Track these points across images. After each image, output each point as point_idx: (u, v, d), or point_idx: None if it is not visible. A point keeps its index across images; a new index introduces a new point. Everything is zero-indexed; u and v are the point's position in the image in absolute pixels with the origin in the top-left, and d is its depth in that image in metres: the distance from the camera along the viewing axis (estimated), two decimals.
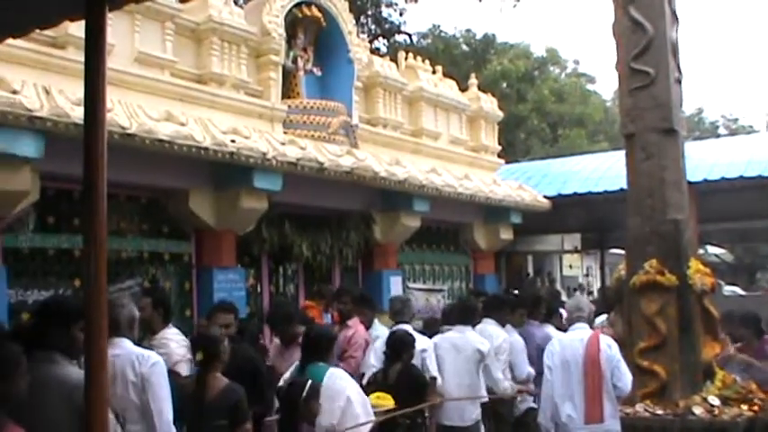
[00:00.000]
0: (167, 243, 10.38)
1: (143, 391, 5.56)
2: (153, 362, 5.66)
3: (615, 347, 7.85)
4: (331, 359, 7.21)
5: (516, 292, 15.28)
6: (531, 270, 23.14)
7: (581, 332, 8.02)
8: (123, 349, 5.65)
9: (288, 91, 12.54)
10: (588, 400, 7.71)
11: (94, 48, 4.23)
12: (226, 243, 10.67)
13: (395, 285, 13.67)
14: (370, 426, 6.85)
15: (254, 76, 11.78)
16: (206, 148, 9.28)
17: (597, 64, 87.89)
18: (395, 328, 8.76)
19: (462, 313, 9.24)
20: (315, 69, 13.23)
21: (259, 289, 11.89)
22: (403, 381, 7.83)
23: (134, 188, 9.65)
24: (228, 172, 10.15)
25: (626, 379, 7.63)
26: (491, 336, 9.16)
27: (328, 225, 12.60)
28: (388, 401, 7.49)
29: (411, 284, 14.65)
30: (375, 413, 7.08)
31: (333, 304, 10.24)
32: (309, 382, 6.58)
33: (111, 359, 5.11)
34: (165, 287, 10.23)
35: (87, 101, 4.25)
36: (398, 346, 8.12)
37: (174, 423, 5.68)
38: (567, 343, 8.11)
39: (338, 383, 6.78)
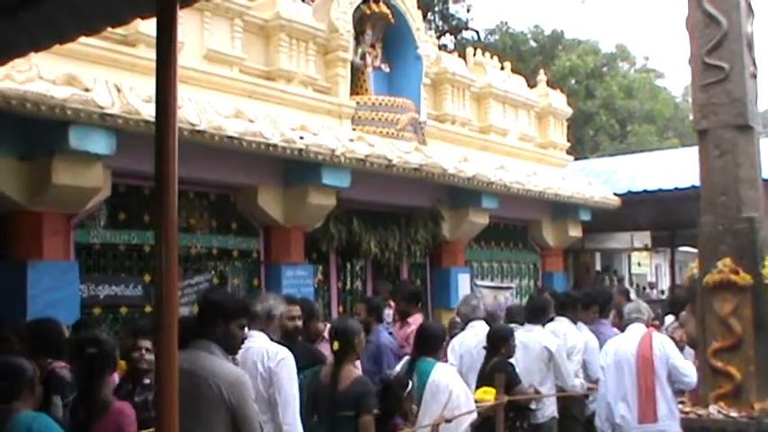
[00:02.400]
0: (236, 239, 10.43)
1: (270, 384, 5.82)
2: (281, 357, 5.90)
3: (670, 345, 7.74)
4: (439, 355, 7.25)
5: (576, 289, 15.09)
6: (598, 268, 22.88)
7: (635, 331, 7.91)
8: (256, 342, 5.95)
9: (356, 87, 12.53)
10: (641, 399, 7.61)
11: (166, 45, 4.25)
12: (294, 239, 10.70)
13: (463, 283, 13.60)
14: (471, 417, 6.91)
15: (323, 73, 11.79)
16: (275, 145, 9.31)
17: (667, 59, 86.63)
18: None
19: (532, 311, 9.16)
20: (383, 66, 13.21)
21: (327, 285, 11.90)
22: (495, 375, 7.78)
23: (203, 185, 9.71)
24: (297, 168, 10.17)
25: (689, 372, 7.50)
26: (564, 334, 9.06)
27: (396, 222, 12.58)
28: (491, 396, 7.49)
29: (479, 282, 14.55)
30: (478, 408, 7.15)
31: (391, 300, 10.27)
32: (411, 382, 6.73)
33: (245, 350, 5.65)
34: (234, 284, 10.31)
35: (159, 98, 4.27)
36: (496, 340, 8.07)
37: (305, 412, 6.01)
38: (620, 342, 8.02)
39: (443, 379, 6.88)
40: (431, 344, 7.19)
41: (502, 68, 16.12)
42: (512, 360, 8.10)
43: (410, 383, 6.73)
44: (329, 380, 6.23)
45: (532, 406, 8.26)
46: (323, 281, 11.84)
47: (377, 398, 6.33)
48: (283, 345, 6.14)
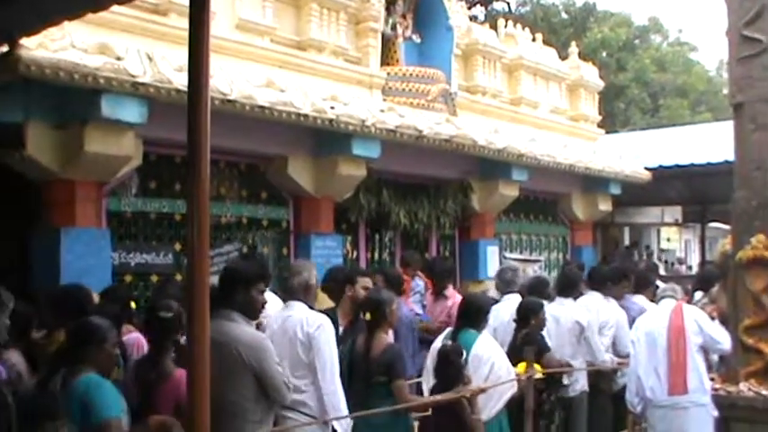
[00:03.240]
0: (266, 209, 10.45)
1: (309, 350, 6.07)
2: (319, 323, 6.15)
3: (701, 316, 7.74)
4: (483, 327, 7.36)
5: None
6: (627, 242, 22.77)
7: (666, 305, 7.91)
8: (295, 311, 6.25)
9: (386, 58, 12.49)
10: (672, 371, 7.60)
11: (198, 15, 4.26)
12: (324, 209, 10.71)
13: (491, 255, 13.58)
14: (513, 389, 7.09)
15: (354, 43, 11.75)
16: (306, 115, 9.30)
17: (701, 32, 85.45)
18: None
19: (563, 285, 9.14)
20: (414, 36, 13.15)
21: (355, 256, 11.91)
22: (525, 346, 7.80)
23: (233, 154, 9.71)
24: (327, 139, 10.16)
25: (723, 339, 7.46)
26: (596, 309, 9.03)
27: (426, 193, 12.55)
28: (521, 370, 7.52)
29: (508, 254, 14.50)
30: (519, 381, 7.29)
31: (420, 271, 10.27)
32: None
33: (284, 319, 6.19)
34: (264, 253, 10.35)
35: (191, 67, 4.29)
36: (527, 313, 8.13)
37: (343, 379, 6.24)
38: (651, 315, 8.02)
39: (485, 351, 7.06)
40: (474, 315, 7.32)
41: (533, 40, 16.02)
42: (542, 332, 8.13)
43: (464, 353, 6.85)
44: (363, 348, 6.55)
45: (565, 381, 8.27)
46: (351, 251, 11.85)
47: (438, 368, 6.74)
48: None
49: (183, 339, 5.67)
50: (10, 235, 9.05)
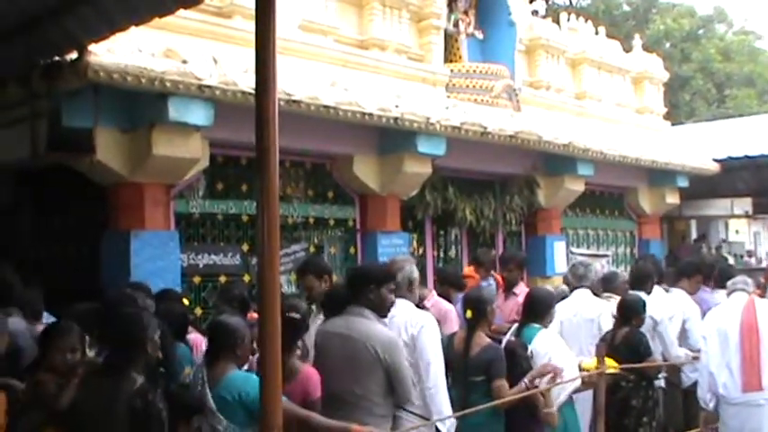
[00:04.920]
0: (332, 208, 10.44)
1: (413, 351, 6.04)
2: (422, 324, 6.12)
3: None
4: (547, 322, 7.32)
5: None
6: (694, 235, 22.42)
7: (737, 299, 7.76)
8: (399, 310, 6.14)
9: (449, 55, 12.46)
10: (745, 367, 7.47)
11: (265, 16, 4.26)
12: (390, 207, 10.67)
13: (558, 250, 13.45)
14: (574, 384, 7.01)
15: (416, 41, 11.74)
16: (370, 114, 9.28)
17: (767, 20, 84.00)
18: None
19: (636, 279, 9.01)
20: (476, 32, 13.11)
21: (422, 253, 11.87)
22: (626, 345, 7.73)
23: (299, 154, 9.72)
24: (392, 137, 10.12)
25: None
26: (668, 303, 8.90)
27: (491, 189, 12.48)
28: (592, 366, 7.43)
29: (574, 250, 14.36)
30: (582, 376, 7.19)
31: (493, 270, 10.13)
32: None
33: (389, 319, 6.07)
34: (330, 252, 10.36)
35: (258, 69, 4.29)
36: (628, 311, 8.02)
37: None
38: (722, 310, 7.86)
39: (543, 346, 6.98)
40: (537, 309, 7.26)
41: (596, 33, 15.86)
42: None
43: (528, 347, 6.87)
44: (461, 347, 6.62)
45: (660, 377, 8.16)
46: (418, 249, 11.81)
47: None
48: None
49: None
50: (81, 239, 9.21)
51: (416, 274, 6.69)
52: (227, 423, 4.79)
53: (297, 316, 5.50)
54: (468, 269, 10.56)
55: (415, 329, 6.05)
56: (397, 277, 6.29)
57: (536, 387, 6.52)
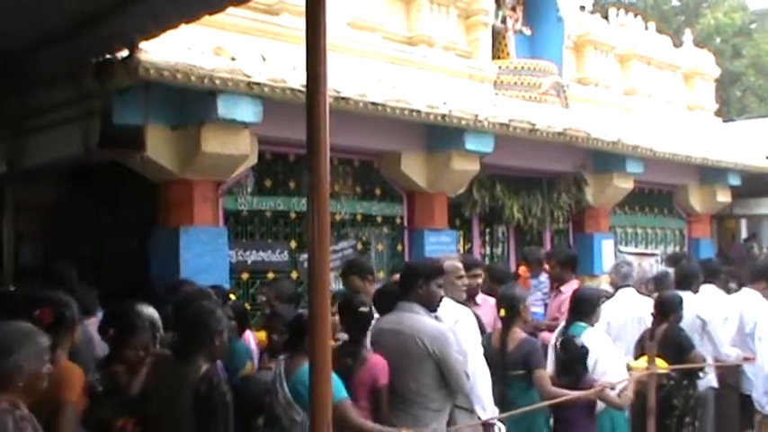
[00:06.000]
0: (380, 205, 10.44)
1: None
2: (457, 318, 6.19)
3: None
4: (594, 320, 7.35)
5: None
6: (744, 234, 22.12)
7: None
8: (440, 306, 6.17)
9: (497, 52, 12.43)
10: None
11: (315, 14, 4.27)
12: (437, 205, 10.65)
13: (606, 249, 13.34)
14: (621, 384, 6.96)
15: (464, 37, 11.73)
16: (418, 111, 9.27)
17: None
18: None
19: (682, 278, 8.92)
20: (524, 29, 13.07)
21: (469, 251, 11.82)
22: (666, 341, 7.65)
23: (347, 151, 9.73)
24: (440, 134, 10.11)
25: None
26: (721, 304, 8.79)
27: (539, 187, 12.41)
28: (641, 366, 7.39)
29: (623, 248, 14.24)
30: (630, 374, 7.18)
31: (539, 268, 10.08)
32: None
33: None
34: (378, 249, 10.37)
35: (309, 66, 4.30)
36: (666, 308, 7.96)
37: None
38: None
39: (591, 345, 6.98)
40: (583, 308, 7.27)
41: (646, 28, 15.72)
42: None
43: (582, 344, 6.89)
44: (498, 343, 6.78)
45: (701, 374, 8.07)
46: (465, 247, 11.78)
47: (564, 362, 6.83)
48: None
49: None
50: (131, 235, 9.30)
51: (462, 272, 6.77)
52: (304, 414, 4.92)
53: (365, 309, 5.72)
54: (521, 268, 10.51)
55: (452, 323, 6.10)
56: None
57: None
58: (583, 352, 6.73)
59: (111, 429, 4.89)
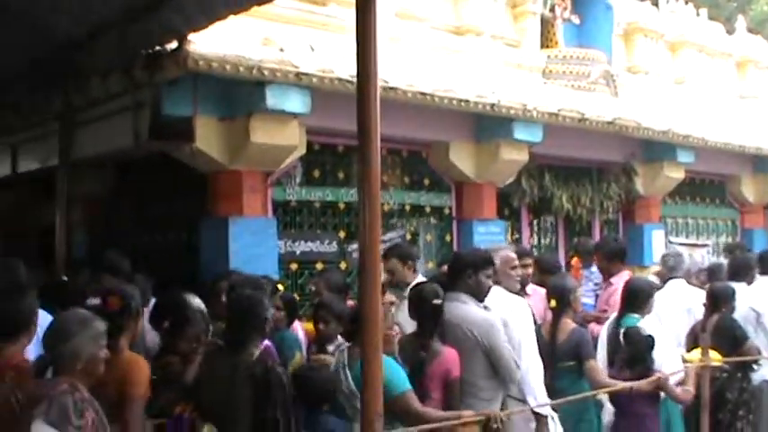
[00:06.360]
0: (428, 195, 10.40)
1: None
2: (510, 308, 6.18)
3: None
4: (646, 312, 7.21)
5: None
6: None
7: None
8: (492, 295, 6.17)
9: (545, 40, 12.33)
10: None
11: (366, 5, 4.26)
12: (486, 195, 10.58)
13: (656, 240, 13.18)
14: (676, 376, 6.89)
15: (512, 26, 11.63)
16: (467, 100, 9.22)
17: None
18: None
19: (735, 269, 8.78)
20: (573, 17, 12.95)
21: (519, 242, 11.74)
22: (719, 333, 7.56)
23: (396, 141, 9.69)
24: (489, 123, 10.04)
25: None
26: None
27: (588, 177, 12.29)
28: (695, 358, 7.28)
29: (673, 239, 14.07)
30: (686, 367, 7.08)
31: (590, 259, 9.96)
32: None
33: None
34: (427, 240, 10.35)
35: (359, 57, 4.30)
36: (717, 299, 7.87)
37: None
38: None
39: None
40: (635, 300, 7.15)
41: (697, 15, 15.53)
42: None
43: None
44: (548, 334, 6.75)
45: (755, 366, 7.95)
46: (514, 237, 11.71)
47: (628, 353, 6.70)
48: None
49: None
50: (180, 226, 9.35)
51: (516, 262, 6.76)
52: None
53: (439, 301, 5.63)
54: (574, 259, 10.42)
55: (505, 313, 6.07)
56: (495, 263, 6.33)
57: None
58: (649, 342, 6.62)
59: (169, 417, 4.99)
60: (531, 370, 6.03)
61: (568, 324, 6.77)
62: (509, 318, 6.03)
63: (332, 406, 5.39)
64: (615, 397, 6.67)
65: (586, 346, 6.66)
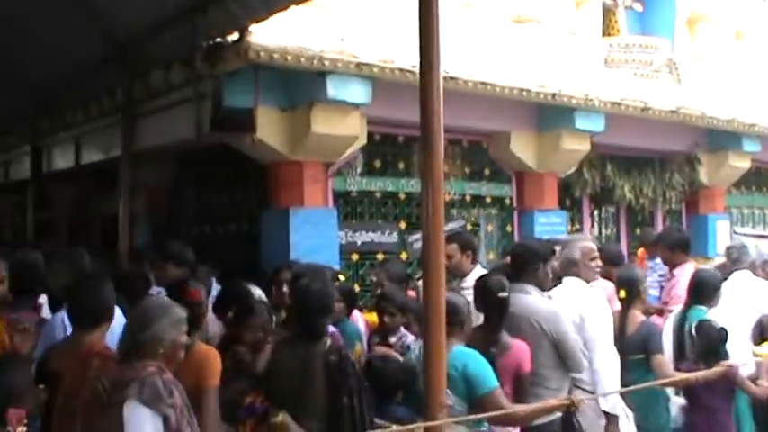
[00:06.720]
0: (488, 186, 10.34)
1: (582, 329, 5.99)
2: (588, 302, 6.14)
3: None
4: (713, 304, 7.06)
5: None
6: None
7: None
8: (568, 288, 6.28)
9: (607, 28, 12.21)
10: None
11: None
12: (547, 185, 10.51)
13: (721, 230, 12.96)
14: (748, 369, 6.75)
15: (574, 15, 11.49)
16: (528, 90, 9.15)
17: None
18: None
19: None
20: (635, 5, 12.78)
21: (580, 232, 11.63)
22: None
23: (456, 131, 9.61)
24: (550, 113, 9.96)
25: None
26: None
27: (651, 166, 12.13)
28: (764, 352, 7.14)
29: (738, 229, 13.81)
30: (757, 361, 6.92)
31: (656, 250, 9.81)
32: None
33: (558, 297, 6.16)
34: (488, 230, 10.29)
35: (422, 47, 4.29)
36: None
37: None
38: None
39: None
40: (703, 291, 6.97)
41: (762, 1, 15.25)
42: None
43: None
44: (617, 326, 6.54)
45: None
46: (575, 227, 11.60)
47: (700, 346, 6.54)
48: None
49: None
50: (242, 216, 9.40)
51: (596, 253, 6.67)
52: (455, 397, 4.90)
53: (505, 294, 5.56)
54: (640, 250, 10.27)
55: (583, 307, 6.02)
56: (575, 254, 6.39)
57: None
58: (722, 335, 6.48)
59: (240, 406, 5.01)
60: (606, 366, 5.95)
61: (637, 316, 6.64)
62: (586, 313, 5.99)
63: (405, 397, 5.38)
64: (688, 390, 6.55)
65: (655, 340, 6.49)
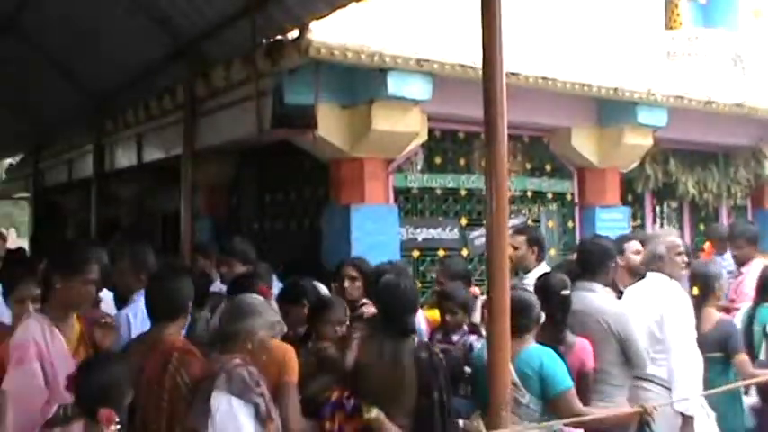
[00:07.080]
0: (550, 181, 10.26)
1: (662, 326, 6.05)
2: (670, 300, 6.12)
3: None
4: None
5: None
6: None
7: None
8: (651, 284, 6.28)
9: (670, 21, 12.04)
10: None
11: None
12: (609, 181, 10.39)
13: None
14: None
15: (635, 8, 11.36)
16: (589, 85, 9.06)
17: None
18: None
19: None
20: None
21: (642, 228, 11.49)
22: None
23: (517, 127, 9.52)
24: (611, 108, 9.83)
25: None
26: None
27: (715, 161, 11.95)
28: None
29: None
30: None
31: (723, 246, 9.65)
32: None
33: (640, 293, 6.24)
34: (549, 226, 10.21)
35: (485, 43, 4.29)
36: None
37: None
38: None
39: None
40: None
41: None
42: None
43: None
44: None
45: None
46: (637, 223, 11.46)
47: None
48: None
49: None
50: (302, 213, 9.44)
51: (682, 248, 6.57)
52: (530, 396, 4.94)
53: (567, 292, 5.58)
54: (706, 245, 10.11)
55: (664, 304, 6.02)
56: (660, 249, 6.33)
57: None
58: None
59: (322, 402, 5.05)
60: (683, 366, 5.89)
61: (712, 313, 6.55)
62: (667, 310, 5.96)
63: (473, 391, 5.44)
64: (762, 388, 6.46)
65: (736, 338, 6.43)
